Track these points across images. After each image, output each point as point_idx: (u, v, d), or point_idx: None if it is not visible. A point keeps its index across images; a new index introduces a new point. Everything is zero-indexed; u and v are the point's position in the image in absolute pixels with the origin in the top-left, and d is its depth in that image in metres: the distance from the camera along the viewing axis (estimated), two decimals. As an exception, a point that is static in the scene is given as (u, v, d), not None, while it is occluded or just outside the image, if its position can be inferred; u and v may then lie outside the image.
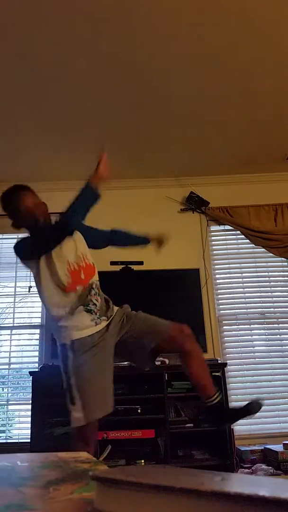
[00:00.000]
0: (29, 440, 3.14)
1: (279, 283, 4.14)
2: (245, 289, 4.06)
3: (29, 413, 3.25)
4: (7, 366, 3.87)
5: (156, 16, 2.36)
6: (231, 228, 4.14)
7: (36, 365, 3.75)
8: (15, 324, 3.93)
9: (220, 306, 4.02)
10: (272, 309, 4.01)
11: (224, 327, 3.96)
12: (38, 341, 3.88)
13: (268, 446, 3.32)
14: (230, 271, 4.13)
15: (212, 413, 2.08)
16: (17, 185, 2.13)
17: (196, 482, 0.38)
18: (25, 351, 3.96)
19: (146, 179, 4.19)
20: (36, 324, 3.94)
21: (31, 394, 3.31)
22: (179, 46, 2.60)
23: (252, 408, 2.02)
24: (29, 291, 3.92)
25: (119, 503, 0.39)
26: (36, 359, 3.81)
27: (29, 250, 2.07)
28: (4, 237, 4.15)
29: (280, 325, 3.99)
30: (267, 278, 4.11)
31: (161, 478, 0.40)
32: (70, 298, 1.96)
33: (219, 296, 4.05)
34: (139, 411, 3.18)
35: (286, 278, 4.14)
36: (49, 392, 3.17)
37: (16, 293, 4.00)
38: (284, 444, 3.21)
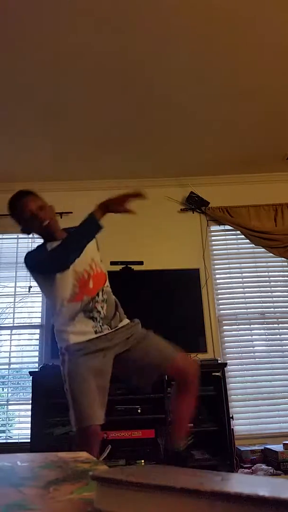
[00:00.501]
0: (29, 440, 3.14)
1: (279, 283, 4.14)
2: (245, 289, 4.06)
3: (29, 413, 3.25)
4: (7, 366, 3.87)
5: (156, 16, 2.36)
6: (231, 228, 4.14)
7: (36, 365, 3.75)
8: (15, 324, 3.93)
9: (220, 306, 4.02)
10: (272, 309, 4.01)
11: (224, 327, 3.96)
12: (38, 341, 3.88)
13: (268, 446, 3.32)
14: (230, 271, 4.13)
15: (175, 457, 2.07)
16: (20, 191, 2.11)
17: (196, 482, 0.38)
18: (25, 351, 3.96)
19: (146, 179, 4.19)
20: (36, 324, 3.94)
21: (31, 394, 3.31)
22: (179, 46, 2.59)
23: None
24: (29, 291, 3.92)
25: (119, 503, 0.39)
26: (36, 359, 3.81)
27: (41, 267, 2.03)
28: (4, 237, 4.15)
29: (280, 325, 3.99)
30: (267, 278, 4.11)
31: (161, 478, 0.40)
32: (75, 306, 1.94)
33: (219, 296, 4.05)
34: (139, 411, 3.18)
35: (286, 278, 4.14)
36: (49, 392, 3.17)
37: (16, 293, 4.00)
38: (284, 444, 3.21)
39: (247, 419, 3.69)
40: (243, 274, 4.10)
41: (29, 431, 3.17)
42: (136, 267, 3.71)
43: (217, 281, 4.09)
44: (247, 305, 4.01)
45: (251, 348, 3.92)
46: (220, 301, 4.03)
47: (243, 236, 4.12)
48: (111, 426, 3.09)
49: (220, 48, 2.63)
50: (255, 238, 4.06)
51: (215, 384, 3.36)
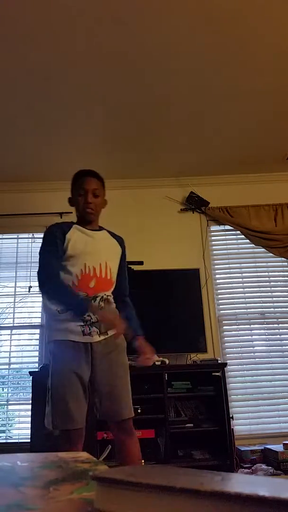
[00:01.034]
0: (29, 440, 3.14)
1: (279, 283, 4.14)
2: (245, 289, 4.06)
3: (29, 413, 3.25)
4: (7, 366, 3.87)
5: (156, 17, 2.36)
6: (231, 228, 4.14)
7: (36, 365, 3.75)
8: (15, 324, 3.93)
9: (220, 306, 4.02)
10: (272, 309, 4.01)
11: (224, 327, 3.96)
12: (38, 341, 3.88)
13: (268, 446, 3.32)
14: (230, 271, 4.13)
15: None
16: (93, 171, 2.11)
17: (196, 482, 0.38)
18: (25, 351, 3.96)
19: (146, 179, 4.19)
20: (36, 324, 3.94)
21: (31, 394, 3.31)
22: (179, 47, 2.59)
23: None
24: (29, 291, 3.92)
25: (119, 503, 0.39)
26: (36, 359, 3.81)
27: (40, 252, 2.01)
28: (4, 237, 4.15)
29: (280, 325, 3.99)
30: (267, 278, 4.11)
31: (161, 478, 0.40)
32: None
33: (219, 296, 4.05)
34: (139, 411, 3.17)
35: (286, 278, 4.14)
36: (49, 392, 3.17)
37: (16, 293, 4.00)
38: (284, 444, 3.21)
39: (247, 419, 3.69)
40: (243, 274, 4.10)
41: (29, 431, 3.17)
42: (136, 267, 3.70)
43: (217, 281, 4.09)
44: (247, 305, 4.01)
45: (251, 348, 3.92)
46: (220, 301, 4.03)
47: (243, 236, 4.12)
48: (111, 426, 3.09)
49: (220, 48, 2.63)
50: (255, 238, 4.06)
51: (215, 384, 3.36)
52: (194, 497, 0.35)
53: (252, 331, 3.98)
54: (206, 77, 2.88)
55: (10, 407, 3.81)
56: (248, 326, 3.98)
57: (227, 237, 4.22)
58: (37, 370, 3.52)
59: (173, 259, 3.91)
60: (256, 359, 3.88)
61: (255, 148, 3.82)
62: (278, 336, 3.96)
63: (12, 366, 3.91)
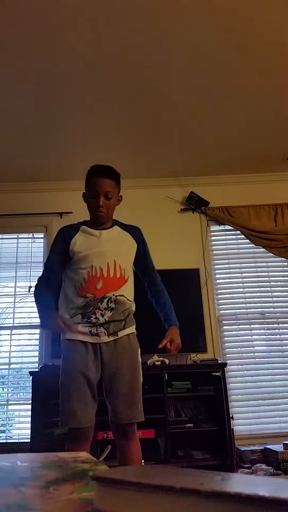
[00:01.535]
0: (29, 440, 3.14)
1: (279, 283, 4.14)
2: (245, 289, 4.06)
3: (29, 413, 3.25)
4: (7, 366, 3.87)
5: (156, 17, 2.36)
6: (231, 228, 4.14)
7: (36, 365, 3.75)
8: (15, 324, 3.93)
9: (220, 306, 4.02)
10: (272, 309, 4.01)
11: (224, 327, 3.96)
12: (38, 341, 3.88)
13: (268, 446, 3.32)
14: (230, 271, 4.13)
15: None
16: (110, 168, 2.07)
17: (196, 482, 0.38)
18: (25, 351, 3.96)
19: (146, 179, 4.19)
20: (36, 324, 3.93)
21: (31, 394, 3.31)
22: (179, 47, 2.59)
23: None
24: (29, 291, 3.92)
25: (119, 503, 0.39)
26: (36, 359, 3.81)
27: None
28: (4, 237, 4.15)
29: (280, 325, 3.99)
30: (267, 278, 4.11)
31: (161, 478, 0.40)
32: (77, 301, 1.92)
33: (219, 296, 4.05)
34: (139, 411, 3.17)
35: (286, 278, 4.14)
36: (49, 392, 3.16)
37: (16, 293, 4.00)
38: (284, 444, 3.21)
39: (247, 419, 3.69)
40: (243, 274, 4.10)
41: (29, 431, 3.17)
42: (136, 267, 3.70)
43: (217, 281, 4.09)
44: (247, 305, 4.01)
45: (251, 348, 3.92)
46: (220, 301, 4.03)
47: (243, 236, 4.12)
48: (111, 426, 3.09)
49: (220, 48, 2.63)
50: (255, 238, 4.06)
51: (215, 384, 3.36)
52: (194, 497, 0.35)
53: (252, 331, 3.98)
54: (205, 77, 2.88)
55: (10, 407, 3.81)
56: (248, 326, 3.98)
57: (227, 237, 4.22)
58: (37, 370, 3.52)
59: (173, 259, 3.91)
60: (256, 359, 3.88)
61: (255, 148, 3.82)
62: (278, 336, 3.96)
63: (12, 366, 3.91)
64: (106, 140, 3.61)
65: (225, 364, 3.47)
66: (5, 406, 3.79)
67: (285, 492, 0.33)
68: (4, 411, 3.78)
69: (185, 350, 3.69)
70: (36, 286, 2.03)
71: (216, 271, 4.12)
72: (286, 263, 4.12)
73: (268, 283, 4.10)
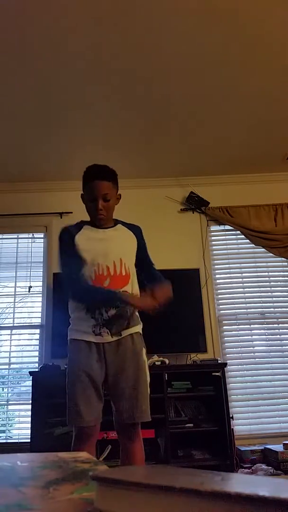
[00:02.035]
0: (29, 440, 3.14)
1: (279, 283, 4.14)
2: (245, 289, 4.06)
3: (29, 413, 3.25)
4: (7, 366, 3.87)
5: (156, 18, 2.36)
6: (231, 228, 4.14)
7: (36, 365, 3.75)
8: (15, 324, 3.93)
9: (220, 306, 4.02)
10: (272, 309, 4.01)
11: (224, 327, 3.96)
12: (38, 341, 3.88)
13: (268, 446, 3.32)
14: (230, 271, 4.13)
15: None
16: (107, 168, 2.04)
17: (196, 482, 0.38)
18: (25, 351, 3.96)
19: (146, 179, 4.19)
20: (36, 324, 3.94)
21: (31, 394, 3.31)
22: (179, 47, 2.59)
23: None
24: (29, 291, 3.92)
25: (119, 503, 0.39)
26: (36, 359, 3.81)
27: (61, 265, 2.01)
28: (4, 237, 4.15)
29: (280, 325, 3.99)
30: (267, 278, 4.11)
31: (161, 478, 0.40)
32: None
33: (219, 296, 4.05)
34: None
35: (286, 278, 4.14)
36: (49, 392, 3.17)
37: (16, 293, 4.00)
38: (284, 444, 3.21)
39: (247, 419, 3.69)
40: (243, 274, 4.10)
41: (29, 431, 3.17)
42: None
43: (217, 281, 4.09)
44: (247, 305, 4.01)
45: (251, 348, 3.92)
46: (220, 301, 4.03)
47: (243, 236, 4.12)
48: (111, 426, 3.08)
49: (220, 49, 2.63)
50: (255, 238, 4.06)
51: (215, 384, 3.36)
52: (194, 497, 0.35)
53: (252, 331, 3.98)
54: (205, 77, 2.88)
55: (10, 407, 3.81)
56: (248, 326, 3.98)
57: (227, 237, 4.22)
58: (37, 370, 3.52)
59: (173, 259, 3.91)
60: (256, 359, 3.88)
61: (255, 148, 3.82)
62: (278, 336, 3.96)
63: (12, 366, 3.91)
64: (106, 140, 3.61)
65: (225, 364, 3.47)
66: (5, 406, 3.79)
67: (285, 492, 0.33)
68: (4, 411, 3.78)
69: (185, 350, 3.70)
70: (71, 289, 1.93)
71: (216, 271, 4.12)
72: (286, 263, 4.12)
73: (268, 283, 4.10)
